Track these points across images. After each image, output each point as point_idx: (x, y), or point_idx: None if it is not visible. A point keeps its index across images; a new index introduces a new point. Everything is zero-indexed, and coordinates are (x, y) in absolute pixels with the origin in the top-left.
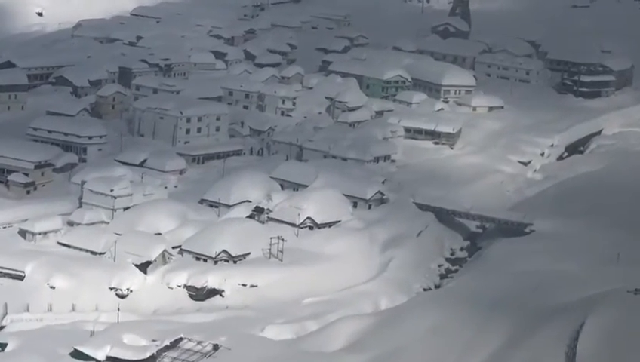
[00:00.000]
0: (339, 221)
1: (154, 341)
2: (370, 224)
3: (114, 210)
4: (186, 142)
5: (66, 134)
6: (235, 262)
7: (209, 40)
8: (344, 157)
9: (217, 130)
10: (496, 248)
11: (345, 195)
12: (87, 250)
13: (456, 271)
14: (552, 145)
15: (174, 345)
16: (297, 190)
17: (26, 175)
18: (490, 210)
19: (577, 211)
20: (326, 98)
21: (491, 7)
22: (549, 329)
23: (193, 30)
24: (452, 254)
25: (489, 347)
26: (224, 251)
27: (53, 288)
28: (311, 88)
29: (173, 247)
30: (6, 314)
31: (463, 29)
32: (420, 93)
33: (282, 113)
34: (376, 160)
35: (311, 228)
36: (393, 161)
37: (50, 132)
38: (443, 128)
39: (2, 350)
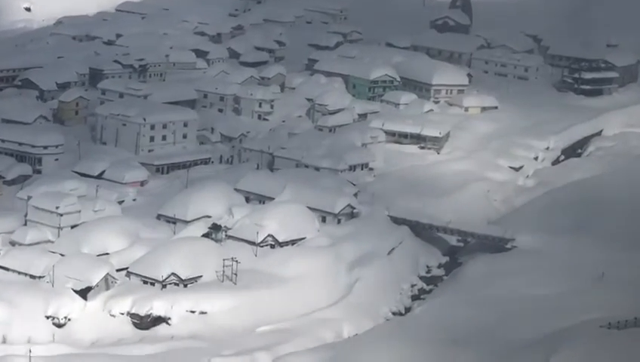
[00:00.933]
0: (303, 238)
1: None
2: (338, 241)
3: (60, 228)
4: (150, 151)
5: (20, 143)
6: (185, 286)
7: (192, 37)
8: (317, 167)
9: (184, 137)
10: (473, 267)
11: (313, 209)
12: (25, 274)
13: (430, 291)
14: (547, 148)
15: None
16: (264, 203)
17: None
18: (470, 225)
19: (565, 225)
20: (307, 100)
21: None
22: None
23: (178, 27)
24: (428, 272)
25: None
26: (173, 274)
27: None
28: (293, 89)
29: (120, 269)
30: None
31: (464, 23)
32: (409, 94)
33: (259, 117)
34: (353, 168)
35: (272, 246)
36: (371, 169)
37: (3, 141)
38: (429, 132)
39: None
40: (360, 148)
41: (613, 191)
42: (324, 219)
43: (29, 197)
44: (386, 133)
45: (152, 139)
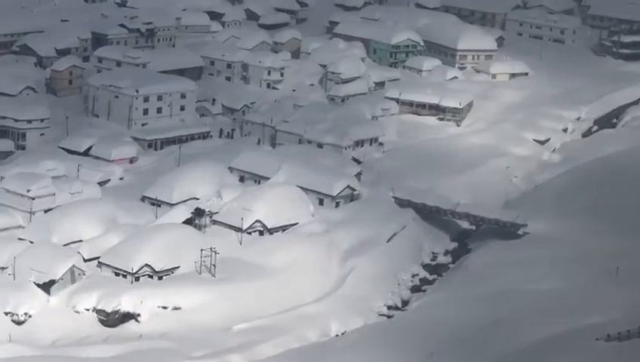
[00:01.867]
0: (295, 224)
1: None
2: (334, 226)
3: (32, 212)
4: (143, 125)
5: (2, 117)
6: (160, 279)
7: None
8: (320, 143)
9: (182, 109)
10: (478, 257)
11: (309, 191)
12: None
13: (433, 281)
14: (578, 119)
15: None
16: (259, 183)
17: None
18: (481, 208)
19: (586, 207)
20: (321, 66)
21: None
22: None
23: None
24: (433, 259)
25: None
26: (147, 265)
27: None
28: (309, 54)
29: (92, 259)
30: None
31: None
32: (433, 59)
33: (268, 85)
34: (360, 143)
35: (261, 233)
36: (381, 144)
37: None
38: (448, 102)
39: None
40: (369, 122)
41: None
42: (321, 202)
43: (1, 178)
44: (403, 103)
45: (145, 111)
